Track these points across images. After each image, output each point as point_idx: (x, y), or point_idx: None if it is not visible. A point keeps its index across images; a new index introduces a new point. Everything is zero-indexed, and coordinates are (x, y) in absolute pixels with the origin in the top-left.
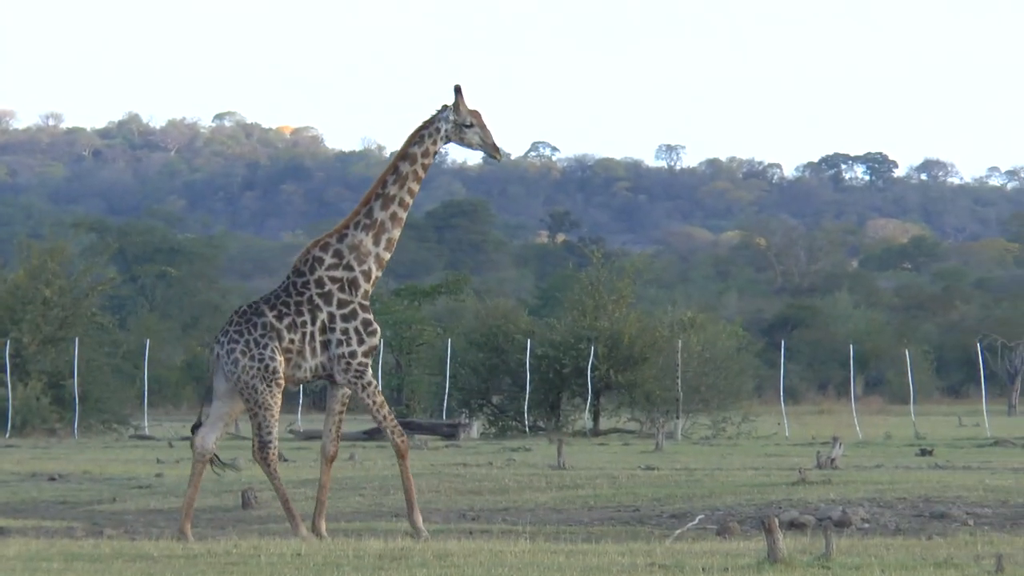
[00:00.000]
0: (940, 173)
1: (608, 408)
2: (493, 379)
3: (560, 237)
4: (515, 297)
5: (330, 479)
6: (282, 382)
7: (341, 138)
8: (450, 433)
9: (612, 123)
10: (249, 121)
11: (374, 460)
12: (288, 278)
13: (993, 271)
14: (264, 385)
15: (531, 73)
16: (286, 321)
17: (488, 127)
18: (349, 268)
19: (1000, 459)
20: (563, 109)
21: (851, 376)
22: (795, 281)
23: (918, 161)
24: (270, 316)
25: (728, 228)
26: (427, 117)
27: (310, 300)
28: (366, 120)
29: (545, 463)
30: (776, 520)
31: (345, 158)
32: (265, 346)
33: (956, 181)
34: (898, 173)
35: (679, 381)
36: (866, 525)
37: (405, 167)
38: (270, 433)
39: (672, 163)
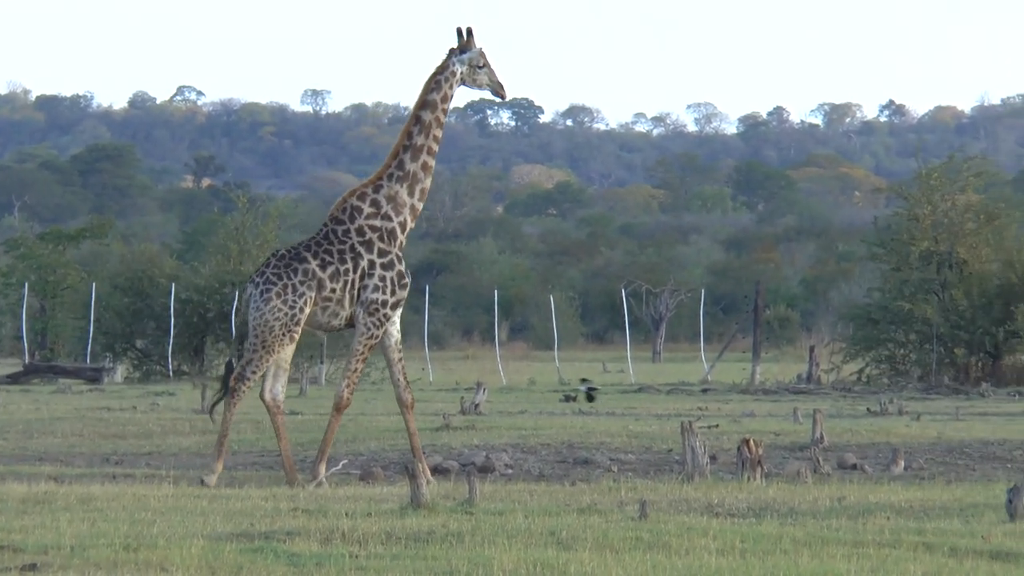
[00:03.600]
0: (586, 119)
1: None
2: (137, 323)
3: (205, 182)
4: (160, 241)
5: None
6: (297, 336)
7: None
8: (94, 377)
9: (258, 68)
10: None
11: (18, 404)
12: (326, 226)
13: (638, 217)
14: (281, 332)
15: (176, 16)
16: (329, 270)
17: (492, 66)
18: (387, 218)
19: (644, 405)
20: (208, 53)
21: (495, 322)
22: (440, 226)
23: (564, 107)
24: (313, 264)
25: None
26: (438, 63)
27: (352, 248)
28: (11, 64)
29: (189, 408)
30: (420, 465)
31: None
32: (301, 295)
33: (602, 127)
34: (544, 119)
35: None
36: (510, 471)
37: (427, 115)
38: (255, 373)
39: (318, 108)
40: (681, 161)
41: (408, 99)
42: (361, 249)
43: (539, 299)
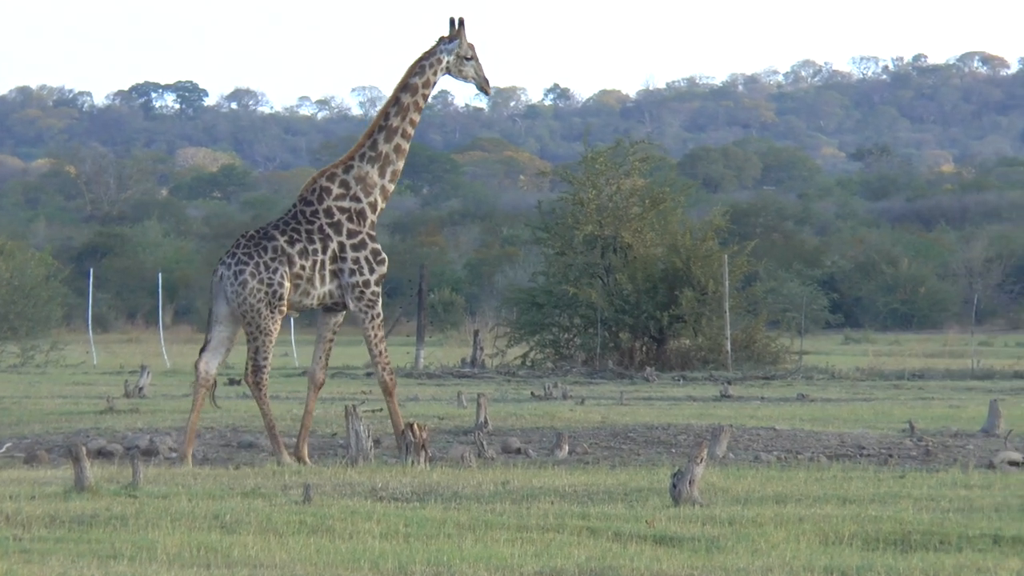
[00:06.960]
0: (251, 102)
1: None
2: None
3: None
4: None
5: (315, 406)
6: (285, 309)
7: None
8: None
9: None
10: None
11: None
12: (295, 207)
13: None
14: (268, 310)
15: None
16: (298, 247)
17: (480, 61)
18: (356, 199)
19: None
20: None
21: (160, 305)
22: (105, 209)
23: (228, 90)
24: (281, 240)
25: (38, 156)
26: (426, 48)
27: (320, 229)
28: None
29: None
30: (84, 448)
31: None
32: (275, 270)
33: (266, 110)
34: (209, 102)
35: None
36: (174, 454)
37: (406, 98)
38: (266, 359)
39: None
40: (346, 144)
41: (72, 81)
42: (330, 231)
43: (203, 282)
